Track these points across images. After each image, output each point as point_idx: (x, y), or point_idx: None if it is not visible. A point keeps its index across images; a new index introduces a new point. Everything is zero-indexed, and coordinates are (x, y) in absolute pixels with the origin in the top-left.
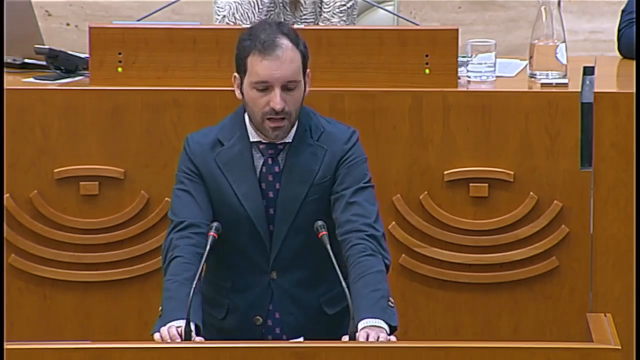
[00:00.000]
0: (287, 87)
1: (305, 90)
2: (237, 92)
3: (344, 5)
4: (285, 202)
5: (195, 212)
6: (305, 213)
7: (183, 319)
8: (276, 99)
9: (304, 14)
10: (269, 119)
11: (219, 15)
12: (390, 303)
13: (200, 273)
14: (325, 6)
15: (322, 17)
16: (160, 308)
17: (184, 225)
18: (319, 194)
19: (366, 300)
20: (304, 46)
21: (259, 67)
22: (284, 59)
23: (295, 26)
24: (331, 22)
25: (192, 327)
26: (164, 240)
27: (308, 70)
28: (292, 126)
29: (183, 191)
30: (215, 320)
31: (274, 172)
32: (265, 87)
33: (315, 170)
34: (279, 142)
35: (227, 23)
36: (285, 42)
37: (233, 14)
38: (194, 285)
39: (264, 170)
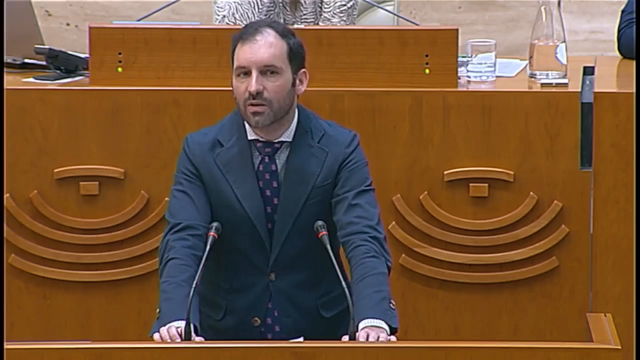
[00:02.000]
0: (267, 72)
1: (295, 85)
2: (233, 93)
3: (344, 5)
4: (286, 204)
5: (192, 214)
6: (306, 215)
7: (181, 319)
8: (252, 81)
9: (304, 14)
10: (250, 104)
11: (218, 15)
12: (391, 305)
13: (200, 274)
14: (326, 6)
15: (322, 17)
16: (157, 310)
17: (180, 227)
18: (320, 197)
19: (368, 300)
20: (296, 44)
21: (239, 52)
22: (263, 44)
23: (295, 26)
24: (331, 22)
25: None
26: (160, 241)
27: (304, 70)
28: (278, 118)
29: (181, 192)
30: (213, 321)
31: (271, 170)
32: (245, 73)
33: (316, 172)
34: (276, 140)
35: (227, 23)
36: (269, 31)
37: (233, 14)
38: (194, 286)
39: (260, 168)
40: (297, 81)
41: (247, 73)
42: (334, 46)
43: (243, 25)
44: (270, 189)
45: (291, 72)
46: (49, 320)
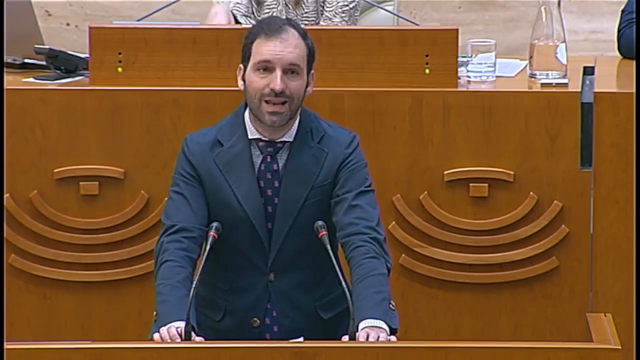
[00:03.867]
0: (289, 71)
1: (307, 87)
2: (240, 83)
3: (347, 5)
4: (285, 204)
5: (187, 216)
6: (305, 215)
7: (180, 320)
8: (277, 80)
9: (306, 12)
10: (266, 102)
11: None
12: (391, 306)
13: (200, 274)
14: (328, 5)
15: (323, 15)
16: (154, 313)
17: (175, 229)
18: (319, 197)
19: (368, 301)
20: (311, 44)
21: (264, 47)
22: (289, 42)
23: None
24: (332, 21)
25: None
26: (155, 243)
27: (313, 71)
28: (291, 118)
29: (177, 194)
30: (213, 322)
31: (272, 170)
32: (266, 68)
33: (316, 172)
34: (278, 139)
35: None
36: (292, 30)
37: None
38: (194, 285)
39: (262, 168)
40: (309, 80)
41: (268, 69)
42: (334, 46)
43: (248, 26)
44: (271, 188)
45: (306, 74)
46: (49, 320)
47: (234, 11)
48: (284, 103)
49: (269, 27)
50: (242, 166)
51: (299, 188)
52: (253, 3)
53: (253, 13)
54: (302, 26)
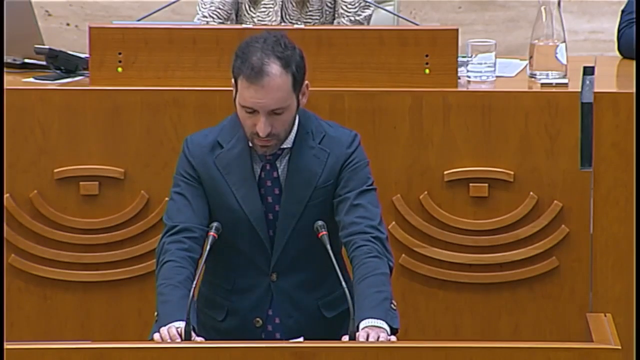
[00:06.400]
0: (273, 113)
1: (298, 105)
2: (234, 97)
3: (363, 13)
4: (287, 207)
5: (188, 217)
6: (308, 217)
7: (180, 320)
8: (261, 126)
9: (310, 10)
10: (257, 139)
11: (203, 9)
12: (392, 306)
13: (200, 274)
14: (344, 10)
15: (336, 21)
16: (155, 313)
17: (176, 229)
18: (322, 198)
19: (369, 300)
20: (299, 65)
21: (246, 93)
22: (270, 88)
23: (296, 26)
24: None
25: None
26: (157, 244)
27: (306, 82)
28: (282, 142)
29: (178, 195)
30: (215, 322)
31: (272, 177)
32: (252, 111)
33: (318, 173)
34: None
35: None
36: (274, 68)
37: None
38: (194, 285)
39: (262, 175)
40: (300, 96)
41: (254, 111)
42: (334, 46)
43: (248, 26)
44: (272, 195)
45: (295, 98)
46: (49, 320)
47: (211, 14)
48: (271, 140)
49: (251, 69)
50: (241, 169)
51: (302, 190)
52: (247, 3)
53: (241, 15)
54: (308, 23)
